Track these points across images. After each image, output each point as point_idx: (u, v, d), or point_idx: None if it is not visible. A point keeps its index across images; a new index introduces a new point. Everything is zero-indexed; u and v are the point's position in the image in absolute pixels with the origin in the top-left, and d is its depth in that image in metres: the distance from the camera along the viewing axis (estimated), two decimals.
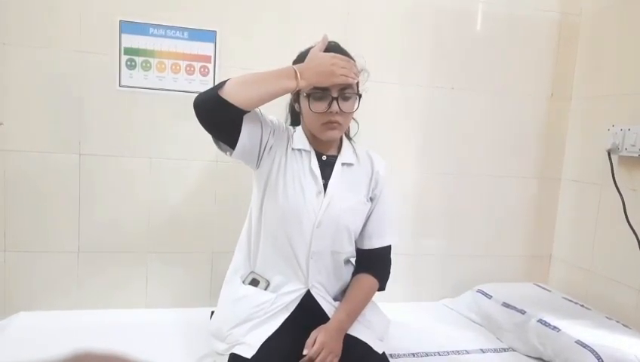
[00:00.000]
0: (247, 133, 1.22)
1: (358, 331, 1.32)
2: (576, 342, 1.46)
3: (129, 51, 1.70)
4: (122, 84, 1.71)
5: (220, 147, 1.27)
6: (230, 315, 1.32)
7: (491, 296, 1.85)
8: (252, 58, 1.76)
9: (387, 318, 1.48)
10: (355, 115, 1.33)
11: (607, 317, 1.68)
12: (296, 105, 1.36)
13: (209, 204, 1.82)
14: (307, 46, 1.30)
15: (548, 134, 2.12)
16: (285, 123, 1.41)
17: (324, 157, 1.35)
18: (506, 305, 1.75)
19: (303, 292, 1.31)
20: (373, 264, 1.41)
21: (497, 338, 1.71)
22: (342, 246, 1.35)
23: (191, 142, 1.76)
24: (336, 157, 1.36)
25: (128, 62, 1.70)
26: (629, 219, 1.74)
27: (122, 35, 1.69)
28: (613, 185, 1.80)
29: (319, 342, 1.20)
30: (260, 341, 1.23)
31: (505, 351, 1.63)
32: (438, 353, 1.55)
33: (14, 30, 1.61)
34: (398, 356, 1.50)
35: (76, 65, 1.66)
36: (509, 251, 2.15)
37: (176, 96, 1.74)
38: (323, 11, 1.83)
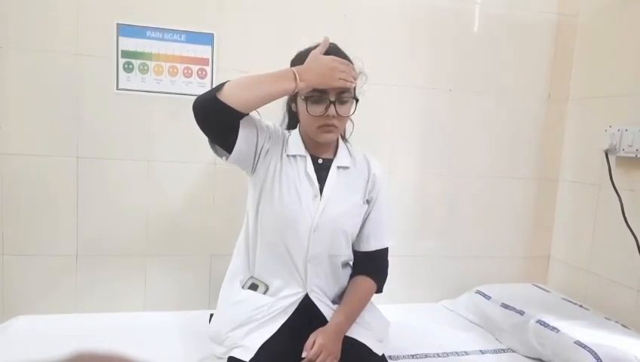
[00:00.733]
0: (244, 138, 1.22)
1: (357, 333, 1.32)
2: (575, 342, 1.46)
3: (126, 54, 1.70)
4: (120, 87, 1.71)
5: (216, 151, 1.27)
6: (228, 318, 1.32)
7: (490, 297, 1.85)
8: (250, 61, 1.76)
9: (387, 320, 1.48)
10: (353, 117, 1.33)
11: (606, 318, 1.68)
12: (292, 106, 1.35)
13: (207, 207, 1.82)
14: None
15: (545, 135, 2.12)
16: (281, 126, 1.41)
17: (319, 161, 1.35)
18: (505, 306, 1.75)
19: (301, 296, 1.31)
20: (371, 266, 1.41)
21: (496, 339, 1.71)
22: (339, 250, 1.35)
23: (189, 144, 1.75)
24: (331, 160, 1.35)
25: (126, 65, 1.70)
26: (627, 219, 1.74)
27: (120, 38, 1.69)
28: (611, 185, 1.80)
29: (318, 344, 1.21)
30: (258, 344, 1.23)
31: (504, 351, 1.63)
32: (438, 354, 1.55)
33: (12, 33, 1.61)
34: (398, 357, 1.50)
35: (74, 68, 1.66)
36: (508, 252, 2.15)
37: (174, 99, 1.74)
38: (320, 14, 1.82)
